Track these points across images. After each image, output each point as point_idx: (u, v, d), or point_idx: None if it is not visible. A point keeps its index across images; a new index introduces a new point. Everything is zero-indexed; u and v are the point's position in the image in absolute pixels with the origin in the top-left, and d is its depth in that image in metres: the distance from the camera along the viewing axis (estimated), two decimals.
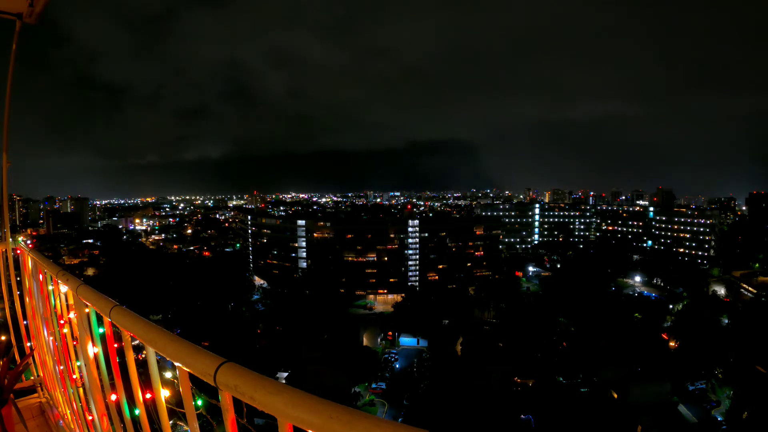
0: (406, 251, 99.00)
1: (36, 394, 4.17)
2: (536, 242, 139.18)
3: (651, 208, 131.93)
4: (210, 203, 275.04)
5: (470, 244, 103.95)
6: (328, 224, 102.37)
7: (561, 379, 49.90)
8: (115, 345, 2.33)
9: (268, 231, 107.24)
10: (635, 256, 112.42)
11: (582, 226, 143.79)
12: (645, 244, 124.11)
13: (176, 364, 1.48)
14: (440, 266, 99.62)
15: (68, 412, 3.46)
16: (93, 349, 2.50)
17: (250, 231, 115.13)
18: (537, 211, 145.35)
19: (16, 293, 4.43)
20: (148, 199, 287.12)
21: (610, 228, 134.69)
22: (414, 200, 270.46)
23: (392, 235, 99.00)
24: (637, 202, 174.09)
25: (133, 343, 1.96)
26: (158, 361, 1.82)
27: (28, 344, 4.20)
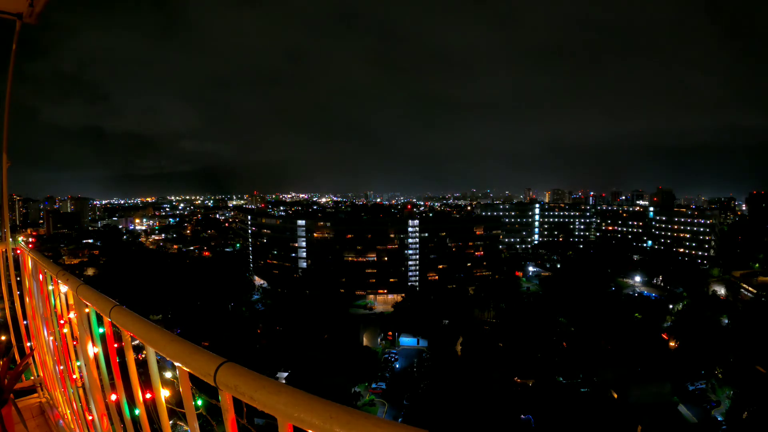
0: (406, 251, 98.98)
1: (36, 394, 4.17)
2: (536, 242, 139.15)
3: (651, 208, 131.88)
4: (210, 203, 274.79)
5: (470, 244, 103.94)
6: (328, 224, 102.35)
7: (561, 379, 49.89)
8: (115, 345, 2.33)
9: (268, 231, 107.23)
10: (635, 256, 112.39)
11: (582, 226, 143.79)
12: (645, 244, 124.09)
13: (176, 364, 1.48)
14: (440, 266, 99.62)
15: (68, 412, 3.46)
16: (93, 349, 2.50)
17: (250, 231, 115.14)
18: (537, 211, 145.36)
19: (16, 293, 4.43)
20: (149, 199, 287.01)
21: (610, 228, 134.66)
22: (414, 200, 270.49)
23: (392, 235, 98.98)
24: (637, 202, 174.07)
25: (133, 343, 1.96)
26: (158, 361, 1.82)
27: (28, 344, 4.20)
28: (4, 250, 4.49)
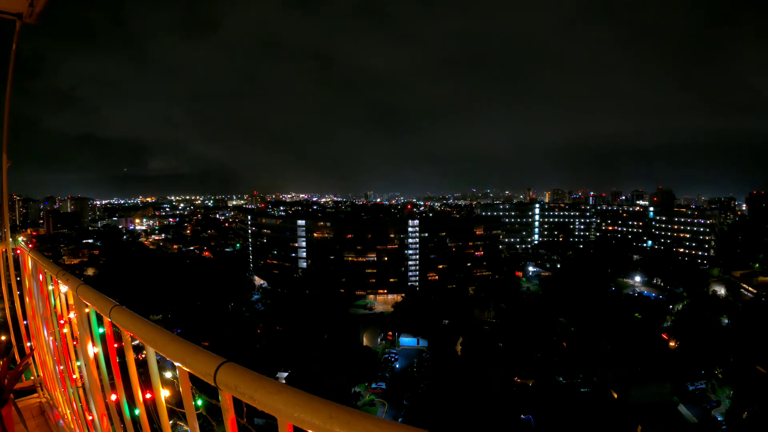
0: (406, 251, 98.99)
1: (36, 394, 4.17)
2: (536, 242, 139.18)
3: (651, 208, 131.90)
4: (210, 203, 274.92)
5: (470, 244, 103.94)
6: (328, 224, 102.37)
7: (561, 379, 49.89)
8: (115, 345, 2.33)
9: (268, 231, 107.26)
10: (635, 256, 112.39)
11: (582, 226, 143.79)
12: (645, 244, 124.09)
13: (176, 364, 1.48)
14: (440, 266, 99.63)
15: (68, 412, 3.46)
16: (93, 349, 2.50)
17: (250, 231, 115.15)
18: (537, 211, 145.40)
19: (16, 293, 4.43)
20: (149, 199, 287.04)
21: (610, 228, 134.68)
22: (414, 200, 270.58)
23: (392, 235, 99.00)
24: (637, 202, 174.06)
25: (133, 343, 1.96)
26: (158, 361, 1.82)
27: (28, 344, 4.20)
28: (4, 250, 4.49)
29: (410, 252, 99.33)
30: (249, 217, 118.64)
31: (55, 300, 3.28)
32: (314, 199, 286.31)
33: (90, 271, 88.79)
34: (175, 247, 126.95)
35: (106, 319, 2.05)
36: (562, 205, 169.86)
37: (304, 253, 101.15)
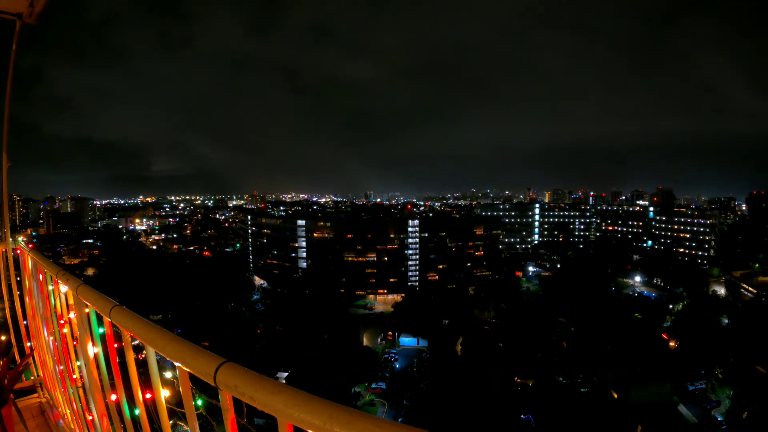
0: (406, 251, 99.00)
1: (36, 394, 4.17)
2: (536, 242, 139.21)
3: (651, 208, 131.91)
4: (210, 203, 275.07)
5: (470, 244, 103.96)
6: (328, 224, 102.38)
7: (561, 379, 49.90)
8: (115, 345, 2.33)
9: (268, 231, 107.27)
10: (635, 256, 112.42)
11: (582, 226, 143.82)
12: (645, 244, 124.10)
13: (176, 364, 1.48)
14: (440, 266, 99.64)
15: (68, 412, 3.46)
16: (93, 349, 2.50)
17: (250, 231, 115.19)
18: (537, 211, 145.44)
19: (16, 293, 4.43)
20: (149, 199, 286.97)
21: (610, 228, 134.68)
22: (414, 200, 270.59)
23: (392, 235, 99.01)
24: (637, 202, 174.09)
25: (133, 343, 1.96)
26: (158, 361, 1.82)
27: (28, 344, 4.20)
28: (4, 250, 4.49)
29: (410, 252, 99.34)
30: (249, 217, 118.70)
31: (55, 300, 3.28)
32: (314, 199, 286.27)
33: (90, 271, 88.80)
34: (175, 247, 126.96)
35: (106, 319, 2.05)
36: (562, 205, 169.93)
37: (304, 253, 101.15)
